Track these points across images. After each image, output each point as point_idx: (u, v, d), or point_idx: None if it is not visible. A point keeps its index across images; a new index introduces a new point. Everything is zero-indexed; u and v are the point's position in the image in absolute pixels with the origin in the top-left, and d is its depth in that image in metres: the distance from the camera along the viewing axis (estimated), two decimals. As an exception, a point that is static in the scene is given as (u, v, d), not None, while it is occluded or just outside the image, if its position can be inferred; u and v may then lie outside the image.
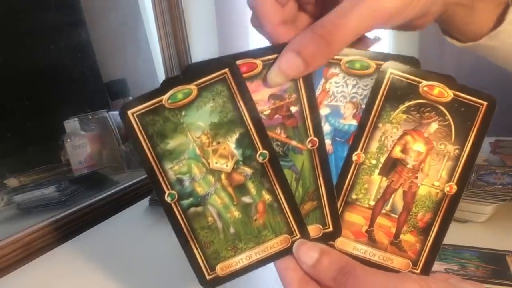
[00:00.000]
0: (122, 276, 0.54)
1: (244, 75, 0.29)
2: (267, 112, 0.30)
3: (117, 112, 0.99)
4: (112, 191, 0.83)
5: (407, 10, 0.27)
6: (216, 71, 0.29)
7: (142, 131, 0.29)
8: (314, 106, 0.30)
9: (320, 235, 0.30)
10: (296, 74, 0.28)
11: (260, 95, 0.30)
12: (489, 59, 0.35)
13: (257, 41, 1.18)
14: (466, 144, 0.30)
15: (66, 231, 0.70)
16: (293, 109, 0.30)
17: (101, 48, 1.02)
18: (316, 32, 0.26)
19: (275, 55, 0.29)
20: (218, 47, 1.18)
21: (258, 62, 0.30)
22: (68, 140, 0.89)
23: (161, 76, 1.07)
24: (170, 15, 1.02)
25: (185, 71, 0.30)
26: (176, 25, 1.03)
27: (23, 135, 0.86)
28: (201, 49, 1.11)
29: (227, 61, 0.29)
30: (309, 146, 0.30)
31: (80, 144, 0.89)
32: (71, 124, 0.89)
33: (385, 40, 1.11)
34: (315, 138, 0.30)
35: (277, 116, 0.30)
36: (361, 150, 0.30)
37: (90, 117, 0.95)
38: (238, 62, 0.29)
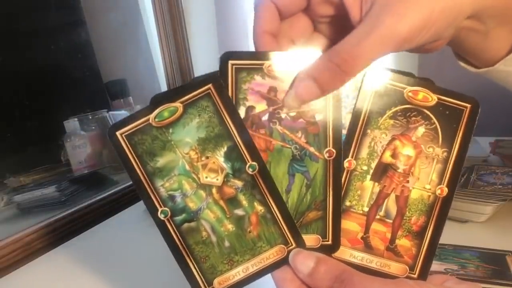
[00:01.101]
0: (122, 276, 0.55)
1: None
2: (292, 114, 0.30)
3: (117, 112, 0.99)
4: (112, 191, 0.83)
5: (419, 35, 0.27)
6: (200, 87, 0.29)
7: (132, 151, 0.30)
8: (338, 118, 0.30)
9: (318, 246, 0.30)
10: (312, 99, 0.29)
11: None
12: (504, 86, 0.35)
13: (257, 41, 1.18)
14: (454, 146, 0.30)
15: (66, 231, 0.70)
16: (318, 116, 0.30)
17: (101, 48, 1.02)
18: (332, 61, 0.27)
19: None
20: (218, 47, 1.18)
21: None
22: (68, 140, 0.89)
23: (161, 76, 1.07)
24: (170, 15, 1.02)
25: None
26: (176, 25, 1.03)
27: (23, 135, 0.86)
28: (201, 49, 1.11)
29: (211, 76, 0.30)
30: (326, 155, 0.30)
31: (80, 144, 0.89)
32: (71, 124, 0.89)
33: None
34: (333, 149, 0.30)
35: (301, 120, 0.30)
36: (352, 157, 0.31)
37: (90, 117, 0.94)
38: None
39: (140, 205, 0.81)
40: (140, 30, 1.09)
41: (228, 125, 0.30)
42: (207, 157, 0.30)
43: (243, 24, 1.17)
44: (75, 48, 0.98)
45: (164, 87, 1.06)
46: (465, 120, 0.30)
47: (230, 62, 0.30)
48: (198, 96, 0.29)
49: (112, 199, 0.81)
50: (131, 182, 0.30)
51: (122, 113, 0.96)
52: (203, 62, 1.09)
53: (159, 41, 1.03)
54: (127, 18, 1.12)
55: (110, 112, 0.98)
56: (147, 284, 0.52)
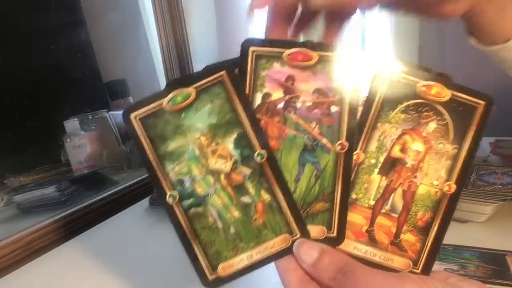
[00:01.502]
0: (122, 276, 0.54)
1: (298, 63, 0.30)
2: (308, 104, 0.30)
3: (117, 112, 0.99)
4: (112, 191, 0.83)
5: None
6: (213, 73, 0.30)
7: (144, 133, 0.30)
8: (354, 112, 0.30)
9: (322, 237, 0.30)
10: None
11: (307, 86, 0.30)
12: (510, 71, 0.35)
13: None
14: (465, 143, 0.30)
15: (66, 231, 0.70)
16: (333, 108, 0.30)
17: (101, 48, 1.02)
18: None
19: (330, 53, 0.30)
20: (218, 47, 1.18)
21: (315, 54, 0.30)
22: (68, 140, 0.89)
23: (161, 76, 1.07)
24: (170, 15, 1.02)
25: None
26: (176, 25, 1.03)
27: (23, 135, 0.86)
28: (201, 49, 1.11)
29: (224, 64, 0.30)
30: (338, 148, 0.30)
31: (80, 144, 0.89)
32: (71, 124, 0.89)
33: (386, 40, 1.11)
34: (345, 143, 0.30)
35: (316, 110, 0.30)
36: (361, 150, 0.30)
37: (90, 117, 0.94)
38: (295, 49, 0.30)
39: (140, 205, 0.81)
40: (140, 30, 1.09)
41: (239, 112, 0.30)
42: (217, 143, 0.30)
43: (243, 24, 1.17)
44: (75, 48, 0.98)
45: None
46: (478, 117, 0.30)
47: (251, 48, 0.30)
48: (211, 82, 0.30)
49: (112, 199, 0.80)
50: (131, 182, 0.30)
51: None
52: (203, 62, 1.09)
53: (159, 41, 1.03)
54: (127, 18, 1.12)
55: (110, 112, 0.98)
56: (147, 284, 0.52)
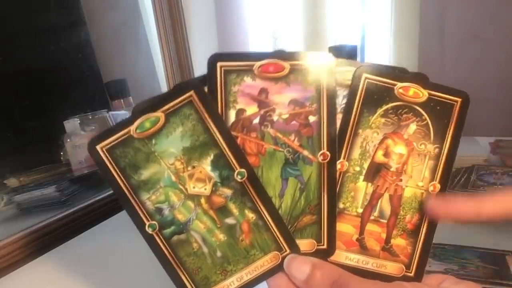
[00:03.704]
0: (122, 276, 0.54)
1: (269, 75, 0.29)
2: (285, 116, 0.30)
3: (117, 112, 0.99)
4: (112, 191, 0.82)
5: None
6: (181, 94, 0.28)
7: (114, 164, 0.29)
8: (333, 120, 0.30)
9: (313, 250, 0.30)
10: None
11: (282, 98, 0.30)
12: None
13: (256, 41, 1.18)
14: (445, 142, 0.30)
15: (66, 231, 0.70)
16: (311, 118, 0.30)
17: (101, 48, 1.02)
18: None
19: (302, 61, 0.29)
20: (218, 47, 1.18)
21: (286, 64, 0.29)
22: (68, 140, 0.89)
23: (161, 76, 1.07)
24: (170, 15, 1.02)
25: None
26: (176, 25, 1.03)
27: (23, 135, 0.85)
28: (201, 49, 1.11)
29: (192, 83, 0.29)
30: (320, 158, 0.29)
31: (80, 144, 0.89)
32: (71, 124, 0.89)
33: (385, 43, 1.11)
34: (327, 152, 0.29)
35: (294, 122, 0.30)
36: (344, 158, 0.30)
37: (90, 117, 0.94)
38: (265, 61, 0.29)
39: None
40: (140, 30, 1.09)
41: (213, 132, 0.29)
42: (194, 167, 0.29)
43: (243, 23, 1.17)
44: (75, 48, 0.98)
45: (164, 87, 1.06)
46: (456, 114, 0.30)
47: (219, 64, 0.29)
48: (180, 104, 0.29)
49: (112, 199, 0.80)
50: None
51: (122, 113, 0.96)
52: (203, 62, 1.09)
53: (159, 41, 1.03)
54: (127, 18, 1.12)
55: (110, 112, 0.98)
56: (148, 284, 0.52)
